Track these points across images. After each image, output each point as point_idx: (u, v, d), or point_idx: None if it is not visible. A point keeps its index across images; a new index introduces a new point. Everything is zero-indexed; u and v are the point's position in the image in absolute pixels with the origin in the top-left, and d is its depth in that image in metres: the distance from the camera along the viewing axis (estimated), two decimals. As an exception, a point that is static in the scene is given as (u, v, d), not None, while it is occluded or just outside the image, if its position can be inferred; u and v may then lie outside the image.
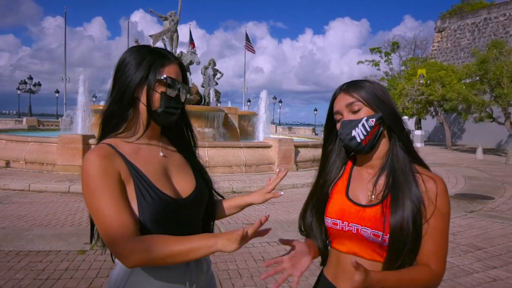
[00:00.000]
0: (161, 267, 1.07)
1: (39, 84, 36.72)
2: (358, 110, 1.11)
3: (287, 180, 8.21)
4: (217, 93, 17.14)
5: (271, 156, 10.09)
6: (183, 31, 30.23)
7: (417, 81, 23.01)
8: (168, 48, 14.61)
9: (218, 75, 17.84)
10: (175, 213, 1.10)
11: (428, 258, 1.05)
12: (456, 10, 41.35)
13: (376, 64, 35.28)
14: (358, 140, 1.10)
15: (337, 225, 1.14)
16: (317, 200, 1.23)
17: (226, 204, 1.39)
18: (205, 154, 9.02)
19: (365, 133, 1.09)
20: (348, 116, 1.12)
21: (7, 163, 9.20)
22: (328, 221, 1.17)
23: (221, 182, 7.90)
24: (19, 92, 37.43)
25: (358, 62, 36.57)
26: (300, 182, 8.51)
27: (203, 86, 16.60)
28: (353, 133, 1.10)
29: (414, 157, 1.15)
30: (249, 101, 42.40)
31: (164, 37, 15.25)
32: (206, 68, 17.03)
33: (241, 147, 9.92)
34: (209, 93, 16.29)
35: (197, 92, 15.53)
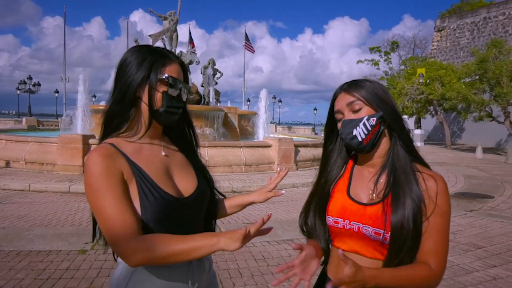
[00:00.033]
0: (164, 266, 1.07)
1: (39, 84, 36.69)
2: (359, 110, 1.12)
3: (287, 179, 8.21)
4: (216, 92, 17.15)
5: (271, 156, 10.10)
6: (183, 30, 30.21)
7: (416, 81, 23.01)
8: (168, 48, 14.57)
9: (218, 75, 17.84)
10: (177, 212, 1.11)
11: (428, 257, 1.06)
12: (456, 9, 41.35)
13: (376, 63, 35.29)
14: (359, 139, 1.10)
15: (338, 223, 1.15)
16: (319, 200, 1.23)
17: (228, 203, 1.39)
18: (205, 153, 9.02)
19: (366, 132, 1.10)
20: (349, 116, 1.13)
21: (7, 163, 9.20)
22: (330, 220, 1.17)
23: (221, 181, 7.90)
24: (18, 92, 37.40)
25: (358, 62, 36.60)
26: (300, 181, 8.51)
27: (202, 86, 16.60)
28: (354, 132, 1.10)
29: (415, 156, 1.16)
30: (248, 100, 42.38)
31: (164, 36, 15.25)
32: (205, 67, 17.03)
33: (241, 147, 9.92)
34: (208, 93, 16.30)
35: (197, 92, 15.53)
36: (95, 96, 43.57)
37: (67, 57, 35.85)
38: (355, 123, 1.11)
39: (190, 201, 1.15)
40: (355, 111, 1.12)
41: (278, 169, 1.40)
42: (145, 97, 1.11)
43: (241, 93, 39.17)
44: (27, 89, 35.41)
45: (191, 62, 15.28)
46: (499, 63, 18.19)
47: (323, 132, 1.32)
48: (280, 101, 47.29)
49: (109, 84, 1.17)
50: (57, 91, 39.96)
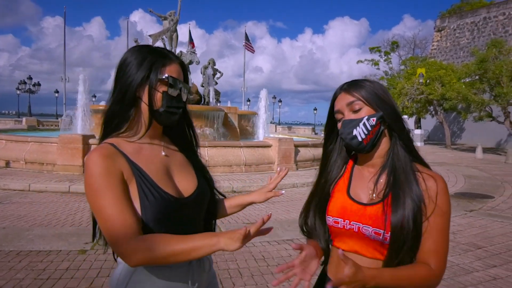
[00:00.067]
0: (164, 266, 1.07)
1: (39, 84, 36.68)
2: (359, 110, 1.12)
3: (287, 179, 8.21)
4: (216, 92, 17.15)
5: (271, 156, 10.10)
6: (183, 30, 30.23)
7: (416, 81, 23.01)
8: (168, 48, 14.58)
9: (218, 75, 17.85)
10: (177, 212, 1.10)
11: (428, 257, 1.06)
12: (456, 9, 41.35)
13: (376, 63, 35.29)
14: (359, 139, 1.10)
15: (338, 223, 1.15)
16: (319, 200, 1.23)
17: (228, 203, 1.39)
18: (205, 153, 9.02)
19: (366, 132, 1.10)
20: (349, 116, 1.13)
21: (7, 163, 9.20)
22: (330, 220, 1.17)
23: (221, 181, 7.90)
24: (18, 92, 37.40)
25: (358, 62, 36.59)
26: (300, 181, 8.51)
27: (202, 86, 16.61)
28: (354, 132, 1.10)
29: (415, 156, 1.16)
30: (248, 100, 42.38)
31: (164, 36, 15.25)
32: (205, 67, 17.04)
33: (241, 147, 9.92)
34: (208, 93, 16.30)
35: (197, 92, 15.54)
36: (95, 96, 43.61)
37: (67, 57, 35.86)
38: (355, 123, 1.11)
39: (190, 201, 1.15)
40: (355, 111, 1.12)
41: (278, 169, 1.40)
42: (145, 97, 1.10)
43: (241, 93, 39.21)
44: (27, 89, 35.41)
45: (191, 62, 15.29)
46: (499, 63, 18.19)
47: (323, 132, 1.32)
48: (280, 101, 47.31)
49: (109, 84, 1.17)
50: (57, 91, 39.97)
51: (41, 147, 9.10)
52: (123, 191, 1.02)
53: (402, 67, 31.42)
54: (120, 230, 0.97)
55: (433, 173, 1.12)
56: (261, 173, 9.63)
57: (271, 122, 25.32)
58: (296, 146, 10.44)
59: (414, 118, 29.28)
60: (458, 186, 8.97)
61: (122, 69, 1.13)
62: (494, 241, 4.68)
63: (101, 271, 3.47)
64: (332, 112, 1.20)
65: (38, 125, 19.37)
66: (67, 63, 34.27)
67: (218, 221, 1.47)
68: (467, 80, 20.82)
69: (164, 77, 1.10)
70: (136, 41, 17.64)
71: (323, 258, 1.25)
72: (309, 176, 9.10)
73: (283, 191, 1.38)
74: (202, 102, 15.60)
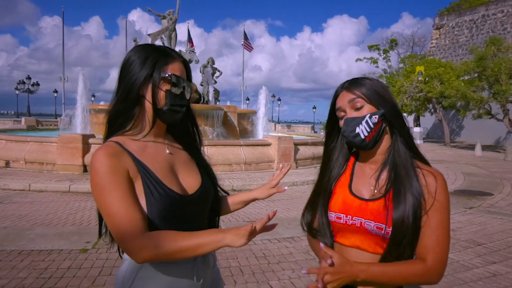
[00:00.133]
0: (169, 262, 1.08)
1: (38, 84, 36.59)
2: (361, 107, 1.13)
3: (286, 177, 8.22)
4: (216, 91, 17.16)
5: (271, 154, 10.11)
6: (181, 29, 30.31)
7: (415, 78, 23.02)
8: (167, 47, 14.58)
9: (217, 74, 17.85)
10: (182, 210, 1.12)
11: (425, 252, 1.07)
12: (454, 7, 41.34)
13: (375, 61, 35.30)
14: (362, 136, 1.12)
15: (340, 219, 1.16)
16: (322, 197, 1.25)
17: (231, 200, 1.41)
18: (205, 152, 9.02)
19: (368, 130, 1.11)
20: (351, 113, 1.14)
21: (7, 163, 9.20)
22: (332, 215, 1.19)
23: (221, 180, 7.89)
24: (17, 92, 37.31)
25: (357, 60, 36.57)
26: (300, 179, 8.53)
27: (202, 85, 16.61)
28: (357, 130, 1.12)
29: (415, 152, 1.18)
30: (247, 99, 42.39)
31: (163, 36, 15.26)
32: (205, 66, 17.04)
33: (240, 145, 9.94)
34: (208, 92, 16.30)
35: (196, 91, 15.53)
36: (94, 96, 43.53)
37: (66, 56, 35.90)
38: (358, 121, 1.12)
39: (194, 198, 1.16)
40: (357, 109, 1.14)
41: (281, 165, 1.42)
42: (148, 96, 1.11)
43: (240, 92, 39.18)
44: (26, 89, 35.32)
45: (190, 61, 15.27)
46: (497, 60, 18.22)
47: (322, 131, 1.33)
48: (279, 99, 47.24)
49: (108, 83, 1.18)
50: (56, 91, 39.91)
51: (41, 147, 9.10)
52: (129, 188, 1.03)
53: (401, 65, 31.43)
54: (127, 227, 0.98)
55: (432, 170, 1.14)
56: (261, 171, 9.64)
57: (270, 121, 25.31)
58: (296, 144, 10.46)
59: (413, 116, 29.32)
60: (457, 183, 8.99)
61: (125, 68, 1.13)
62: (493, 238, 4.70)
63: (103, 270, 3.48)
64: (333, 110, 1.22)
65: (37, 125, 19.33)
66: (65, 62, 34.28)
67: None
68: (466, 78, 20.85)
69: (167, 75, 1.11)
70: (135, 41, 17.63)
71: None
72: (309, 174, 9.12)
73: (286, 187, 1.39)
74: (202, 101, 15.60)
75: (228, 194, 1.43)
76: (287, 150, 10.14)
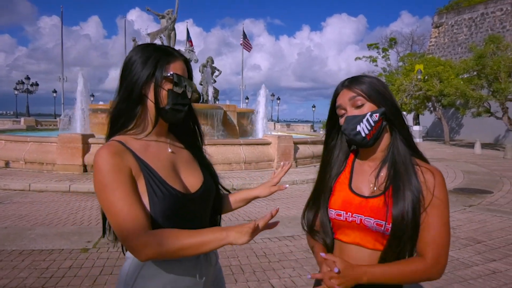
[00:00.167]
0: (172, 260, 1.09)
1: (37, 84, 36.52)
2: (362, 105, 1.14)
3: (286, 176, 8.20)
4: (215, 90, 17.15)
5: (271, 153, 10.11)
6: (180, 29, 30.33)
7: (414, 77, 23.03)
8: (166, 46, 14.58)
9: (217, 73, 17.84)
10: (185, 208, 1.12)
11: (425, 248, 1.08)
12: (453, 5, 41.27)
13: (374, 60, 35.25)
14: (363, 134, 1.13)
15: (340, 216, 1.17)
16: (323, 196, 1.26)
17: (232, 198, 1.42)
18: (206, 151, 9.02)
19: (369, 128, 1.12)
20: (352, 112, 1.15)
21: (7, 163, 9.20)
22: (332, 213, 1.20)
23: (221, 179, 7.90)
24: (16, 92, 37.25)
25: (356, 58, 36.49)
26: (299, 178, 8.54)
27: (201, 84, 16.61)
28: (358, 128, 1.12)
29: (414, 150, 1.19)
30: (247, 98, 42.36)
31: (162, 35, 15.26)
32: (204, 65, 17.03)
33: (240, 144, 9.94)
34: (207, 91, 16.30)
35: (196, 90, 15.50)
36: (93, 96, 43.46)
37: (65, 56, 35.86)
38: (359, 119, 1.13)
39: (196, 197, 1.17)
40: (358, 107, 1.14)
41: (282, 163, 1.42)
42: (151, 95, 1.12)
43: (239, 91, 39.18)
44: (25, 89, 35.26)
45: (189, 60, 15.26)
46: (497, 58, 18.22)
47: (322, 130, 1.34)
48: (278, 98, 47.22)
49: (107, 83, 1.19)
50: (55, 91, 39.86)
51: (41, 147, 9.10)
52: (132, 187, 1.04)
53: (400, 63, 31.45)
54: (130, 225, 0.98)
55: (431, 167, 1.15)
56: (260, 170, 9.65)
57: (269, 120, 25.33)
58: (296, 143, 10.45)
59: (412, 114, 29.32)
60: (457, 181, 9.01)
61: (127, 67, 1.14)
62: (493, 236, 4.71)
63: (104, 269, 3.49)
64: (333, 108, 1.23)
65: (36, 125, 19.30)
66: (64, 62, 34.34)
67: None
68: (465, 76, 20.84)
69: (169, 74, 1.11)
70: (134, 40, 17.63)
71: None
72: (309, 173, 9.12)
73: (287, 185, 1.40)
74: (201, 101, 15.59)
75: (229, 192, 1.44)
76: (287, 149, 10.14)
